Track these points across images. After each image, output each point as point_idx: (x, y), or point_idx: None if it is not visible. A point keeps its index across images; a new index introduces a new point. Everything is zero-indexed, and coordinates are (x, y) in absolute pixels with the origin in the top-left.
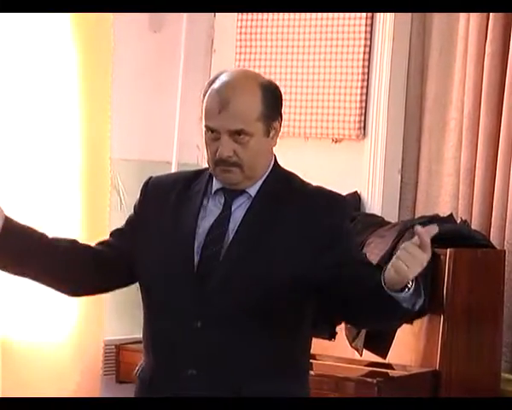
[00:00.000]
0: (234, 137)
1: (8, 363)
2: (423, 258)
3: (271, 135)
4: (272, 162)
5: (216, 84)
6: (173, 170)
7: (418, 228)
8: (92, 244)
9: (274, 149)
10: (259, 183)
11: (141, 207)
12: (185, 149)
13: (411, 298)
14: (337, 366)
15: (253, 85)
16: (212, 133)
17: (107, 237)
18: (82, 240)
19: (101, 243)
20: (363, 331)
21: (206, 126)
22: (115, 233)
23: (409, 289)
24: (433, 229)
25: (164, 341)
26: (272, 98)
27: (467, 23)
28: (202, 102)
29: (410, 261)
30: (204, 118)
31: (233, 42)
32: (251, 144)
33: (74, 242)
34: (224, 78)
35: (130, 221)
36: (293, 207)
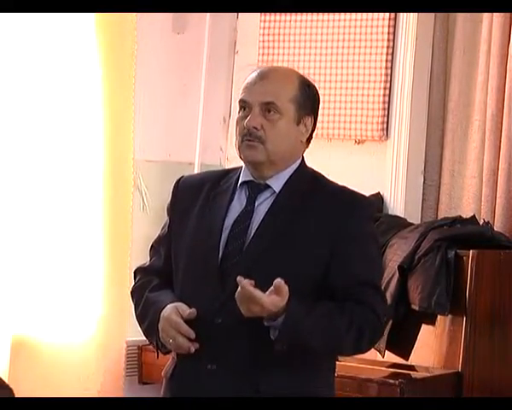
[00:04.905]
0: (264, 112)
1: (32, 363)
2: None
3: (302, 128)
4: (299, 161)
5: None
6: (196, 171)
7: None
8: (155, 278)
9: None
10: (284, 179)
11: (172, 207)
12: (208, 151)
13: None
14: (359, 367)
15: (292, 73)
16: (245, 110)
17: (129, 237)
18: (103, 240)
19: (154, 263)
20: (386, 333)
21: (239, 102)
22: (158, 245)
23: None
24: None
25: None
26: (309, 92)
27: (490, 24)
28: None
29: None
30: (240, 94)
31: (256, 43)
32: (279, 124)
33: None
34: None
35: (165, 225)
36: (316, 206)
